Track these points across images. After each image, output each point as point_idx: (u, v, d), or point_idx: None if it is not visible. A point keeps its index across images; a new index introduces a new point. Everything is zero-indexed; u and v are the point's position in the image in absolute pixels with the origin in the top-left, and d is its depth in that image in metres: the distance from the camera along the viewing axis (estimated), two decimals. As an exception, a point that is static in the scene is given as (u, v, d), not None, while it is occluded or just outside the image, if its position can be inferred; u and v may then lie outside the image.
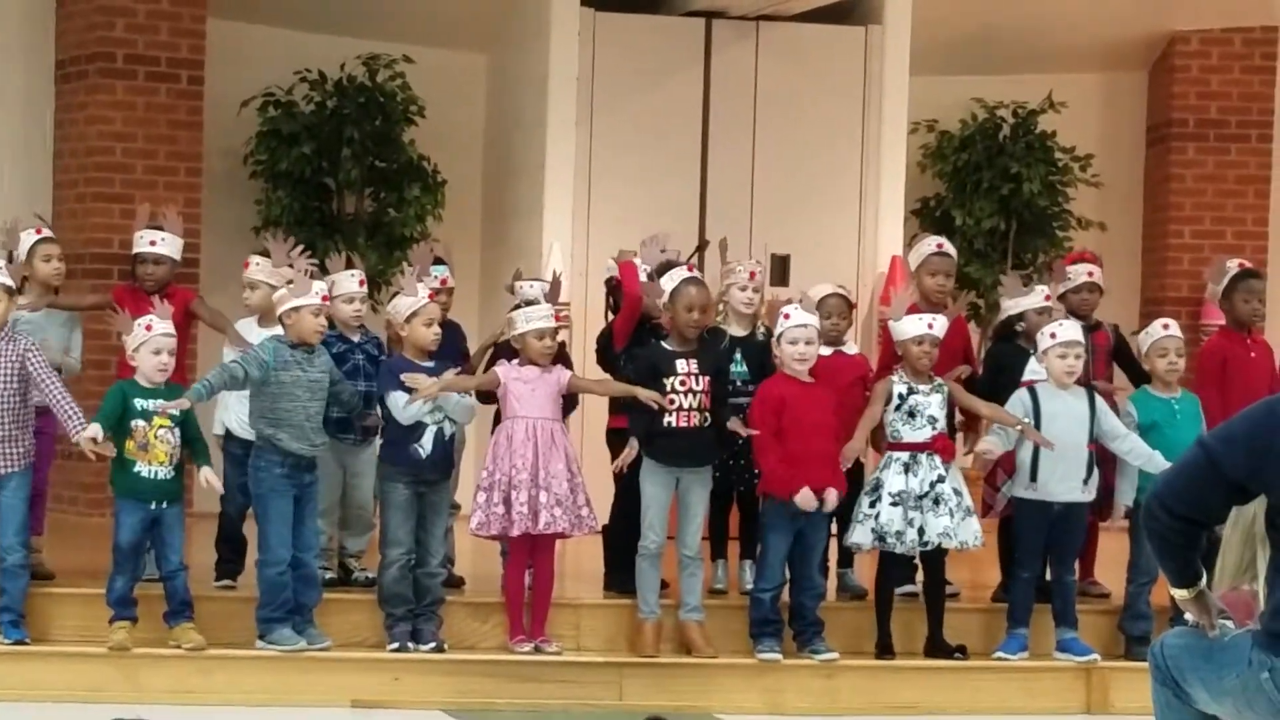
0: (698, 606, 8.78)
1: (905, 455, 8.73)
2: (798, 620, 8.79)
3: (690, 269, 8.86)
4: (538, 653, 8.66)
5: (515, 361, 8.65)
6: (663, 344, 8.74)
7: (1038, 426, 8.78)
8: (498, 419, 8.75)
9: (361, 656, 8.61)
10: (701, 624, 8.78)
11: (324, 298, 8.48)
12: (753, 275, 9.19)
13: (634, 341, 8.94)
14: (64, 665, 8.38)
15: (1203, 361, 9.58)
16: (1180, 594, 5.31)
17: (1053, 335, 8.87)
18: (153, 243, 9.13)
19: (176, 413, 8.33)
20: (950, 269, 9.53)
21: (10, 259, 8.74)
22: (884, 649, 8.88)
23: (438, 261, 9.25)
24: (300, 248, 8.92)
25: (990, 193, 12.92)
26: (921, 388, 8.78)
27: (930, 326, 8.79)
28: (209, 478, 8.41)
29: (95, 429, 8.16)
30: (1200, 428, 8.78)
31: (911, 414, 8.76)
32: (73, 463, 10.60)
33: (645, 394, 8.51)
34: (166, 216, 9.33)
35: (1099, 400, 8.95)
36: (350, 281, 8.98)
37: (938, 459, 8.74)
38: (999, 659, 8.89)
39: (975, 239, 12.82)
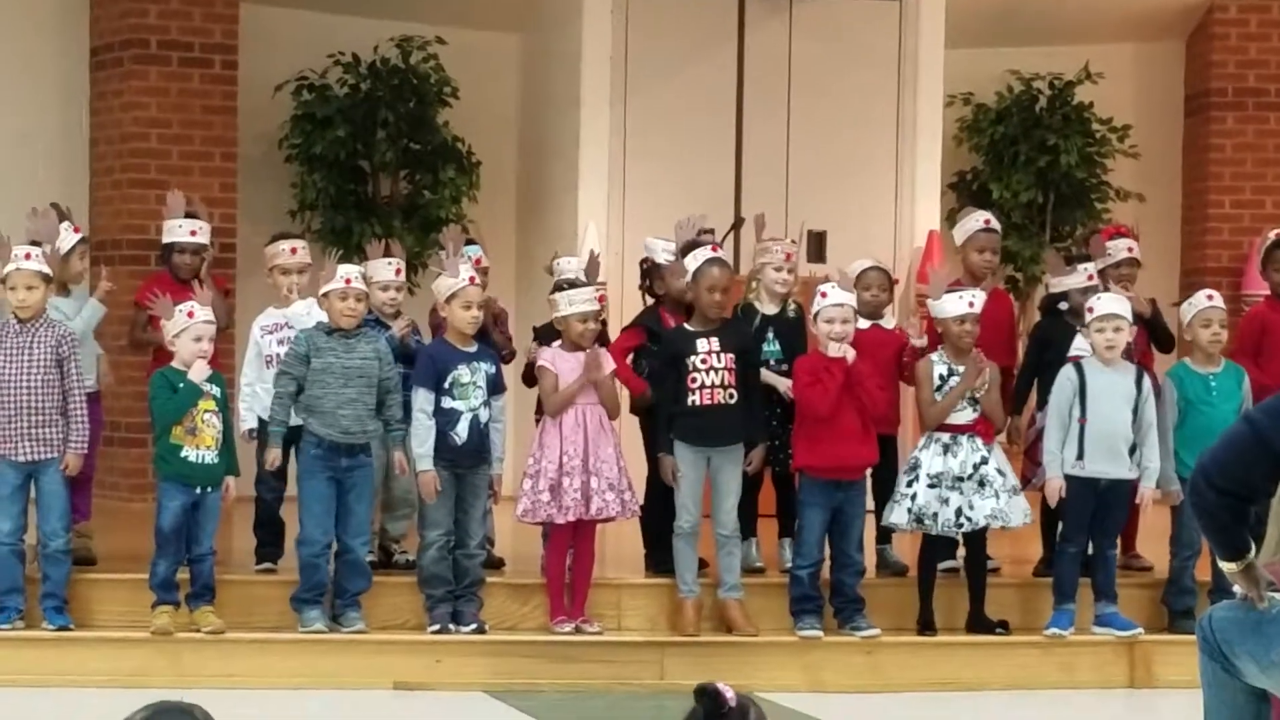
0: (737, 585, 8.77)
1: (945, 436, 8.69)
2: (838, 597, 8.77)
3: (715, 249, 8.83)
4: (579, 633, 8.65)
5: (556, 345, 8.64)
6: (685, 325, 8.71)
7: (1083, 401, 8.73)
8: (539, 407, 8.72)
9: (403, 639, 8.63)
10: (741, 602, 8.77)
11: (347, 280, 8.46)
12: (789, 257, 9.14)
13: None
14: (107, 650, 8.40)
15: (1242, 328, 9.59)
16: (1229, 567, 5.28)
17: (1090, 309, 8.83)
18: (193, 232, 9.19)
19: (220, 395, 8.40)
20: (996, 245, 9.58)
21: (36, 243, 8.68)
22: (926, 625, 8.85)
23: (470, 242, 9.26)
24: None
25: (1027, 165, 12.86)
26: (962, 368, 8.73)
27: (971, 305, 8.74)
28: (229, 487, 8.49)
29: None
30: (1239, 403, 8.74)
31: (953, 394, 8.72)
32: (114, 449, 10.64)
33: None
34: (197, 203, 9.37)
35: (1147, 383, 8.87)
36: (386, 270, 8.97)
37: (979, 440, 8.69)
38: (1053, 635, 8.83)
39: (1013, 212, 12.75)
